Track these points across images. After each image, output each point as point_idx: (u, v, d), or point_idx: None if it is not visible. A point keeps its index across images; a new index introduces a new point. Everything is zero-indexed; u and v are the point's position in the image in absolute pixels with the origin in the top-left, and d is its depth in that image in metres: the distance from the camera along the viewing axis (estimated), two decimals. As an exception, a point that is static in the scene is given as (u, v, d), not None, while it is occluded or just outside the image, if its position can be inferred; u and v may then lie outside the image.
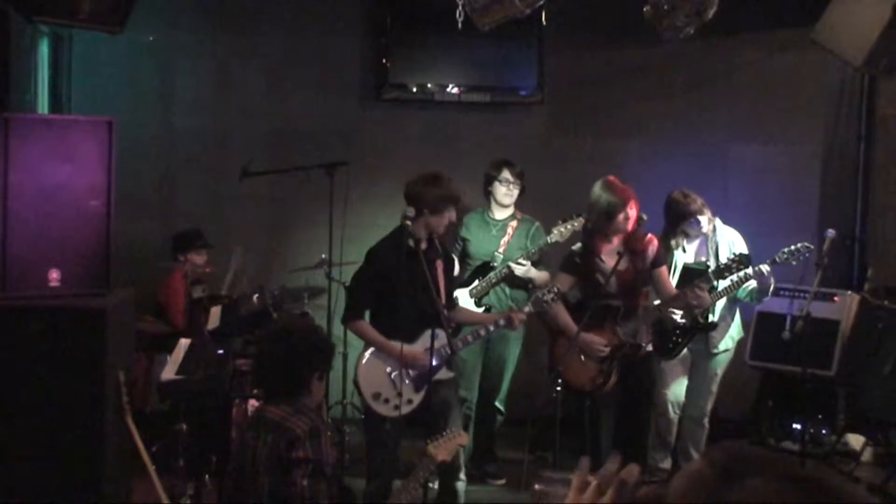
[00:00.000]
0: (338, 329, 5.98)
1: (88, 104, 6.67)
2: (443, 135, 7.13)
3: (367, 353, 4.74)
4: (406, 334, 4.64)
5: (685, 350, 5.62)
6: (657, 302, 5.33)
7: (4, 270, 3.93)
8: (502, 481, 5.95)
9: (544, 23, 6.79)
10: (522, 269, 5.72)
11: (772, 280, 5.46)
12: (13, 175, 3.92)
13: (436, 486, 4.84)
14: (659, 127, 7.28)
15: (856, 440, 6.50)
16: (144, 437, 4.35)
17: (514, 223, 5.95)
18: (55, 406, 3.89)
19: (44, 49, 6.54)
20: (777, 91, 7.26)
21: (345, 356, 6.10)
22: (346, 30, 7.08)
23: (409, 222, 4.63)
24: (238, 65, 7.11)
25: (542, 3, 5.03)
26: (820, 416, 6.61)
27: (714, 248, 5.70)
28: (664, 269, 5.27)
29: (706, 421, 5.85)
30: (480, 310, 5.72)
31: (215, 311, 5.70)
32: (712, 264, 5.51)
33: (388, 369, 4.67)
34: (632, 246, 5.08)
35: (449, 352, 4.68)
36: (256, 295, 5.87)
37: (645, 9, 5.16)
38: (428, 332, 4.56)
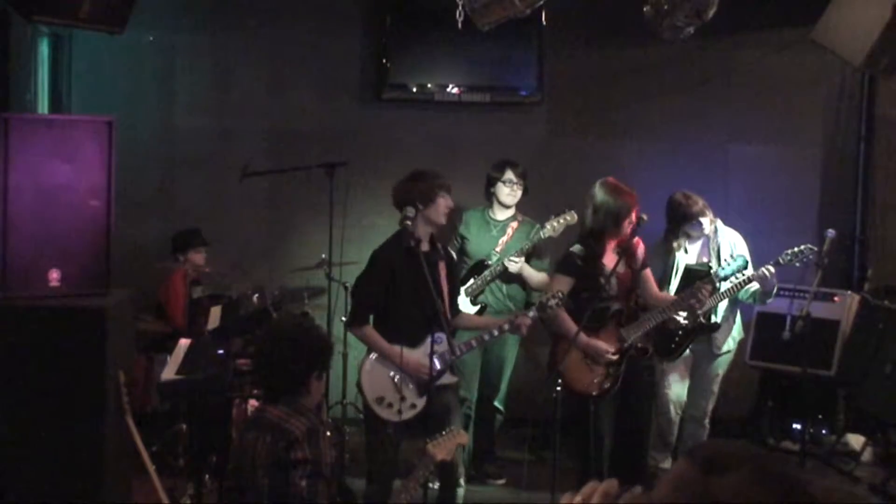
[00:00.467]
0: (338, 329, 5.99)
1: (88, 104, 6.68)
2: (443, 135, 7.13)
3: (371, 357, 4.72)
4: (409, 338, 4.62)
5: (687, 351, 5.63)
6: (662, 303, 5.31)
7: (4, 270, 3.93)
8: (502, 481, 5.94)
9: (544, 23, 6.78)
10: (516, 265, 5.72)
11: (775, 282, 5.46)
12: (13, 175, 3.92)
13: (436, 486, 4.84)
14: (659, 127, 7.27)
15: (856, 440, 6.50)
16: (144, 437, 4.36)
17: (514, 224, 5.94)
18: (55, 406, 3.89)
19: (44, 49, 6.54)
20: (777, 91, 7.26)
21: (345, 356, 6.10)
22: (346, 30, 7.08)
23: (409, 223, 4.62)
24: (238, 65, 7.11)
25: (542, 3, 5.02)
26: (820, 416, 6.62)
27: (716, 249, 5.71)
28: (649, 270, 5.25)
29: (707, 421, 5.85)
30: (475, 308, 5.72)
31: (215, 311, 5.70)
32: (714, 266, 5.51)
33: (392, 373, 4.65)
34: (626, 247, 5.07)
35: (452, 357, 4.67)
36: (256, 295, 5.87)
37: (645, 9, 5.17)
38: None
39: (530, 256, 5.82)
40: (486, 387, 5.97)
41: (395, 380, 4.63)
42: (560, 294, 4.81)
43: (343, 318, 5.73)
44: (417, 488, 4.10)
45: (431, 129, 7.14)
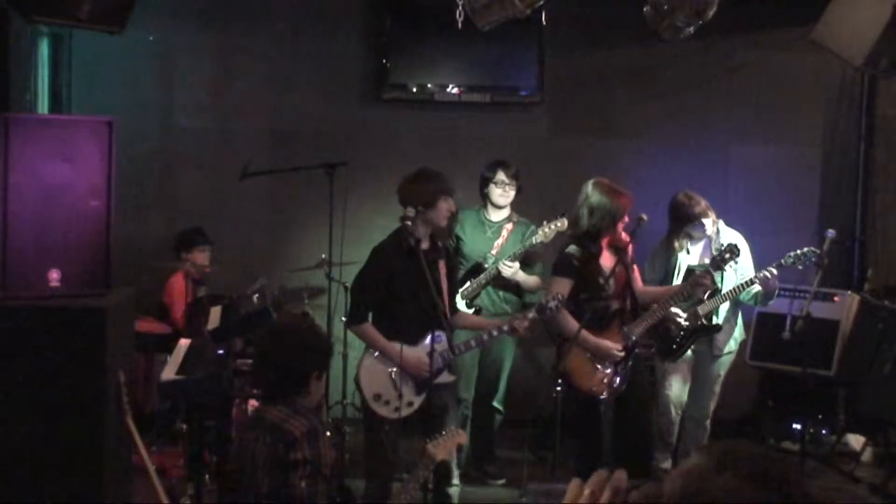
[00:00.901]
0: (337, 329, 5.99)
1: (88, 104, 6.68)
2: (443, 135, 7.13)
3: (369, 354, 4.73)
4: (408, 336, 4.63)
5: (688, 352, 5.63)
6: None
7: (4, 270, 3.93)
8: (502, 481, 5.95)
9: (544, 23, 6.79)
10: (510, 270, 5.72)
11: (776, 284, 5.46)
12: (13, 175, 3.91)
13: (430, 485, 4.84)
14: (659, 127, 7.28)
15: (856, 440, 6.50)
16: (144, 437, 4.35)
17: (509, 226, 5.94)
18: (55, 406, 3.88)
19: (44, 49, 6.55)
20: (777, 91, 7.27)
21: (345, 356, 6.10)
22: (346, 30, 7.08)
23: (408, 222, 4.62)
24: (238, 65, 7.11)
25: (542, 3, 5.02)
26: (820, 416, 6.62)
27: (717, 250, 5.70)
28: (636, 267, 5.28)
29: (708, 422, 5.84)
30: (471, 311, 5.72)
31: (215, 311, 5.69)
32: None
33: (390, 370, 4.66)
34: (622, 246, 5.08)
35: (451, 356, 4.67)
36: (256, 295, 5.87)
37: (645, 9, 5.17)
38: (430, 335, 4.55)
39: (522, 263, 5.81)
40: (485, 387, 5.97)
41: (393, 377, 4.64)
42: (560, 296, 4.80)
43: (343, 319, 5.73)
44: (417, 488, 4.10)
45: (431, 129, 7.14)
